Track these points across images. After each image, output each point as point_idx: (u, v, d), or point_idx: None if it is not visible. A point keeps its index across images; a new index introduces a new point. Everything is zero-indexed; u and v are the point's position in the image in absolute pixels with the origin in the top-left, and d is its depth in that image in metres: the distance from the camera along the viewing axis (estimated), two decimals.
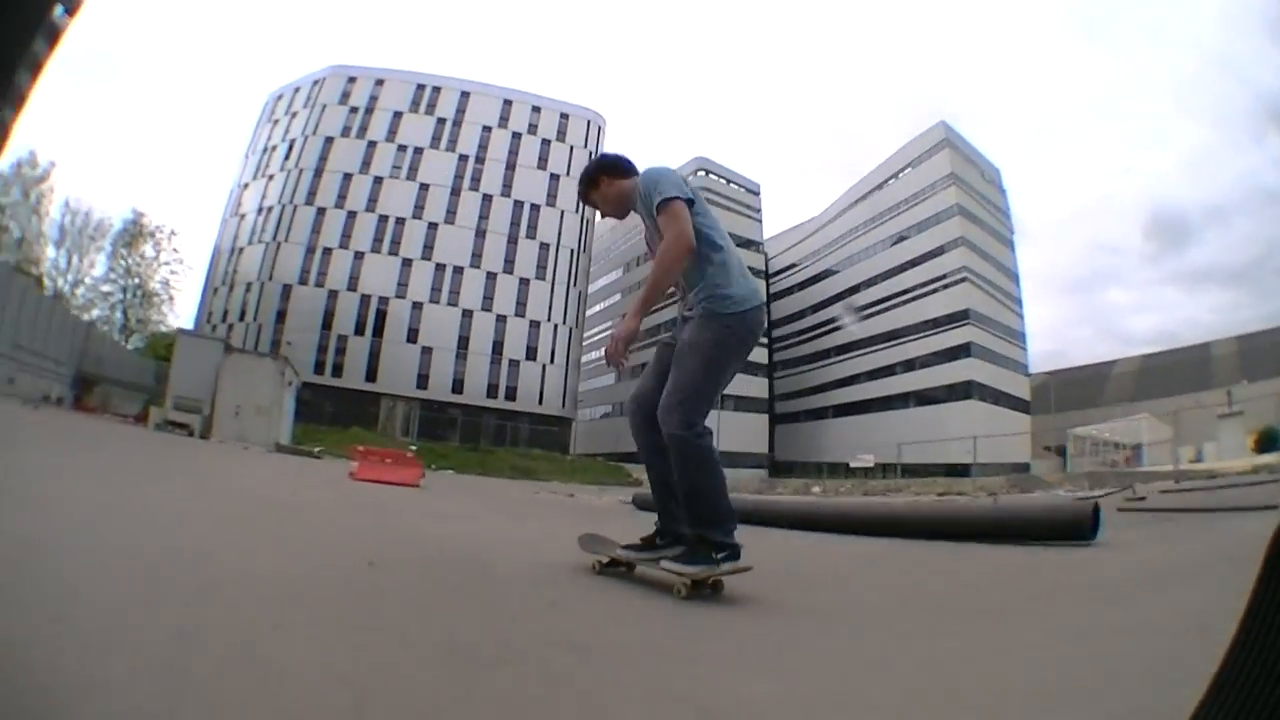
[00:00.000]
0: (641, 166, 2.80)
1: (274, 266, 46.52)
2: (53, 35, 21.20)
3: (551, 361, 50.40)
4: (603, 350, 2.76)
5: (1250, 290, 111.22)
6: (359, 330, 46.73)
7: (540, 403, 49.18)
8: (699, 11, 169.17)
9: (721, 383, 2.62)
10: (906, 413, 50.72)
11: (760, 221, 61.15)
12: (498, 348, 48.85)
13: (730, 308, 2.55)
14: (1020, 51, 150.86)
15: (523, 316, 49.62)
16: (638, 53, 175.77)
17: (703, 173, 59.34)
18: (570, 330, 51.47)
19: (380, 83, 50.52)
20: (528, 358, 49.31)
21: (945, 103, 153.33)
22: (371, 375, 46.28)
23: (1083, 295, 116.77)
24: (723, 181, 59.70)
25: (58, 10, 20.52)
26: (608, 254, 63.05)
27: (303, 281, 46.58)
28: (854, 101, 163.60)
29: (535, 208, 51.24)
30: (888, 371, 53.47)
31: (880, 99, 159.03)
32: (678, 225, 2.48)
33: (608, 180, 2.81)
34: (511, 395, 48.62)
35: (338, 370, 45.77)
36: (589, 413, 61.49)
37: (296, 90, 52.07)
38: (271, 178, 50.16)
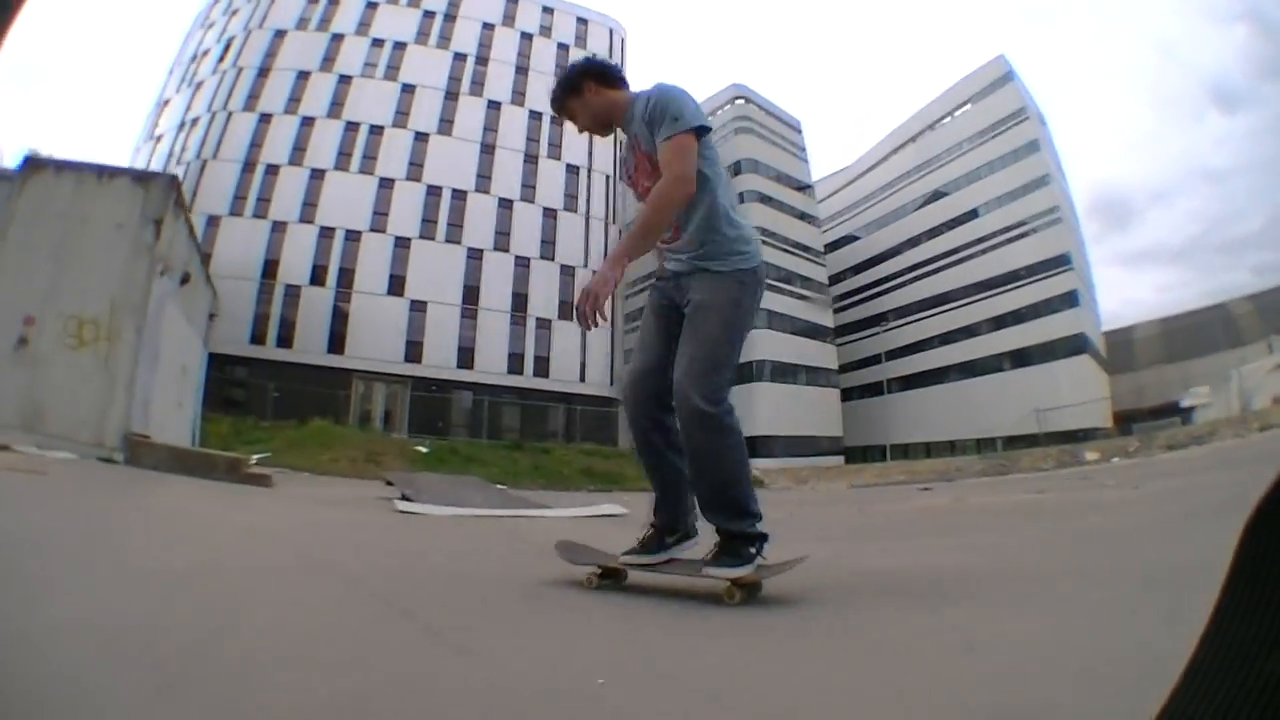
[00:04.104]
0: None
1: (196, 193, 29.52)
2: None
3: None
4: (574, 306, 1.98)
5: (1192, 267, 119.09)
6: (317, 279, 30.84)
7: (582, 379, 35.76)
8: None
9: (740, 350, 2.19)
10: (1002, 376, 43.17)
11: (806, 161, 51.56)
12: (519, 302, 34.87)
13: (744, 262, 2.19)
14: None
15: (551, 259, 36.09)
16: None
17: (742, 100, 48.62)
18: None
19: None
20: (561, 316, 35.80)
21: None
22: (337, 344, 30.57)
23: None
24: (763, 113, 49.49)
25: None
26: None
27: (235, 212, 30.32)
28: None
29: (556, 120, 37.98)
30: (968, 332, 45.72)
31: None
32: (683, 164, 2.02)
33: (594, 87, 2.28)
34: (542, 369, 34.83)
35: (285, 338, 29.79)
36: None
37: None
38: (200, 85, 34.05)
